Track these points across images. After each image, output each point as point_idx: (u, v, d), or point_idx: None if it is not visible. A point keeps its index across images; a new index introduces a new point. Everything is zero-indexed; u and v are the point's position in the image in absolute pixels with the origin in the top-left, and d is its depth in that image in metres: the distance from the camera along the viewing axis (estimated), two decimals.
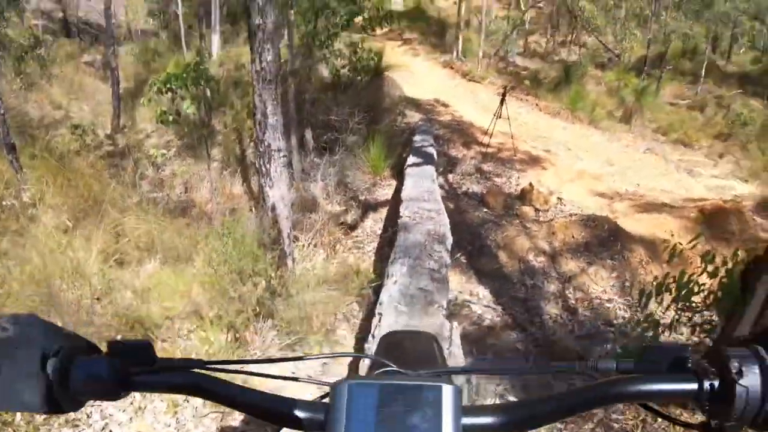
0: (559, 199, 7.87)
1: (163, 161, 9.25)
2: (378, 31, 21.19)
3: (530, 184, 7.71)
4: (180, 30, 14.75)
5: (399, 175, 7.96)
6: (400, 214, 5.06)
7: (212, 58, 13.69)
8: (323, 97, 10.41)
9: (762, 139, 16.04)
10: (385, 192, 7.91)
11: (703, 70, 22.02)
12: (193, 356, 2.83)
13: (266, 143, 4.33)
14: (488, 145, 9.46)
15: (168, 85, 5.34)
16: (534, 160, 9.81)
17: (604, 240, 6.62)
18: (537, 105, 14.10)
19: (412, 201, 5.33)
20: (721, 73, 25.21)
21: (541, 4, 16.34)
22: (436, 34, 19.67)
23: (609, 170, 10.61)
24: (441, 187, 7.88)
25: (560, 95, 14.57)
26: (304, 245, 6.22)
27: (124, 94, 12.02)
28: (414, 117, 10.72)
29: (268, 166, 4.41)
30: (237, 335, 3.94)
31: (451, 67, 15.79)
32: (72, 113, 11.73)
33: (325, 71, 10.57)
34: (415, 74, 13.83)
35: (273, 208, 4.58)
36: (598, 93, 17.90)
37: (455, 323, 4.80)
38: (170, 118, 5.43)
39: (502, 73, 16.32)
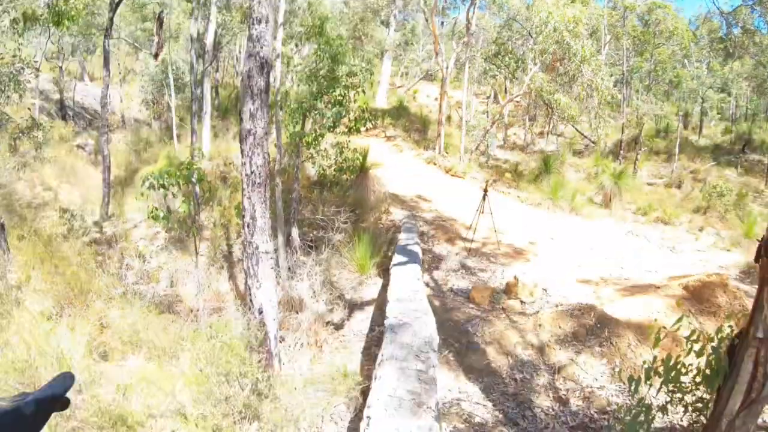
0: (544, 290, 8.07)
1: (150, 253, 9.39)
2: (362, 129, 22.24)
3: (515, 278, 7.93)
4: (172, 121, 15.33)
5: (385, 273, 8.16)
6: (387, 314, 5.22)
7: (203, 153, 14.15)
8: (310, 195, 10.80)
9: (739, 207, 16.61)
10: (371, 290, 8.07)
11: (677, 147, 23.05)
12: None
13: (255, 245, 4.54)
14: (472, 240, 9.76)
15: (161, 182, 5.59)
16: (518, 253, 10.10)
17: (591, 328, 6.76)
18: (519, 197, 14.62)
19: (398, 302, 5.50)
20: (694, 148, 26.38)
21: (518, 98, 17.27)
22: (419, 130, 20.60)
23: (592, 256, 10.88)
24: (427, 284, 8.07)
25: (541, 186, 15.15)
26: (290, 345, 6.29)
27: (114, 181, 12.26)
28: (398, 214, 11.08)
29: (256, 267, 4.59)
30: None
31: (434, 163, 16.44)
32: (61, 196, 11.91)
33: (312, 170, 11.03)
34: (399, 171, 14.39)
35: (260, 310, 4.72)
36: (577, 180, 18.63)
37: (444, 424, 4.85)
38: (161, 214, 5.64)
39: (484, 167, 17.00)
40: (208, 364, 4.48)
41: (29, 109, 17.00)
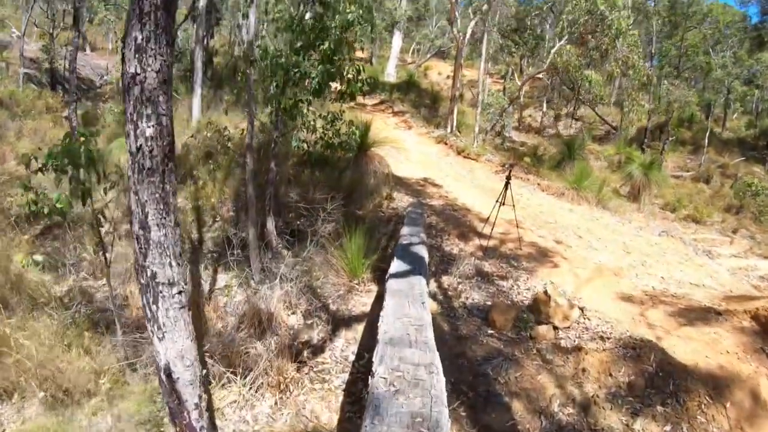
0: (582, 310, 6.13)
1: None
2: (368, 103, 20.12)
3: (545, 292, 5.98)
4: None
5: (382, 277, 6.26)
6: (373, 371, 3.30)
7: (191, 123, 12.39)
8: (301, 176, 8.85)
9: None
10: (363, 301, 6.18)
11: (706, 139, 20.94)
12: None
13: (149, 272, 2.63)
14: (490, 237, 7.82)
15: (53, 163, 3.71)
16: (543, 254, 8.15)
17: (651, 378, 4.86)
18: (539, 185, 12.62)
19: (392, 345, 3.56)
20: (720, 141, 24.24)
21: (540, 75, 15.16)
22: (429, 107, 18.52)
23: (628, 261, 8.97)
24: (433, 296, 6.16)
25: (563, 173, 13.11)
26: (241, 390, 4.42)
27: None
28: (403, 201, 9.13)
29: (154, 308, 2.69)
30: None
31: (445, 143, 14.42)
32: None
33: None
34: (406, 150, 12.39)
35: (167, 371, 2.81)
36: (599, 168, 16.58)
37: None
38: (43, 209, 3.78)
39: (499, 149, 14.96)
40: None
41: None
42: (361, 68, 6.11)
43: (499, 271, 7.09)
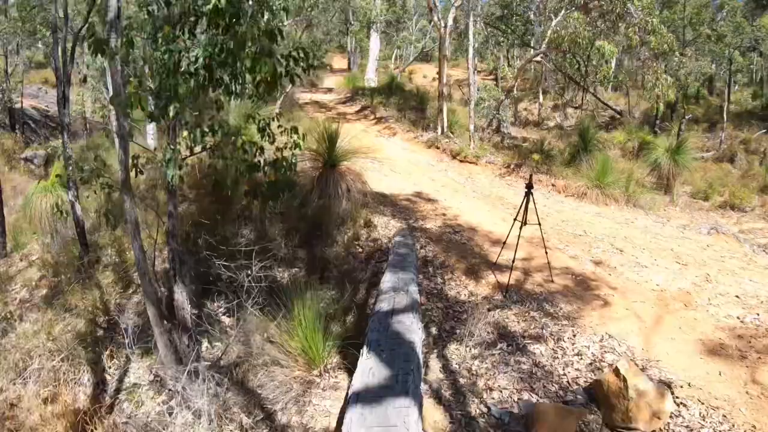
0: (675, 398, 3.77)
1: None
2: (348, 111, 17.82)
3: (615, 372, 3.61)
4: (111, 120, 11.46)
5: (356, 362, 3.90)
6: None
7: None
8: (247, 210, 6.52)
9: None
10: (326, 407, 3.82)
11: (725, 114, 18.58)
12: None
13: None
14: (512, 269, 5.47)
15: None
16: (584, 285, 5.83)
17: None
18: (554, 185, 10.28)
19: None
20: (732, 115, 21.99)
21: (539, 58, 12.82)
22: (416, 108, 16.18)
23: (689, 278, 6.69)
24: (437, 391, 3.79)
25: (580, 168, 10.75)
26: None
27: None
28: (387, 227, 6.79)
29: None
30: None
31: (437, 147, 12.08)
32: None
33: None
34: (390, 160, 10.07)
35: None
36: (614, 158, 14.27)
37: None
38: None
39: (500, 148, 12.60)
40: None
41: None
42: (299, 46, 3.77)
43: (530, 327, 4.73)
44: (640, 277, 6.51)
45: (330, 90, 23.70)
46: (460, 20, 15.69)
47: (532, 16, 18.90)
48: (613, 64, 19.94)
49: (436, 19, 13.22)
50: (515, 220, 5.56)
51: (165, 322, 4.20)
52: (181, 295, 4.20)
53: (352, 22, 28.26)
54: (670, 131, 17.73)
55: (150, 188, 7.33)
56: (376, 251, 6.08)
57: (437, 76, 27.97)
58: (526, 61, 13.67)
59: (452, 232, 6.95)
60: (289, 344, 4.15)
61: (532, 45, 18.89)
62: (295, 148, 4.39)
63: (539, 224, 5.59)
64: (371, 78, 22.24)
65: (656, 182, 11.76)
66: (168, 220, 4.04)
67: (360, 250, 6.18)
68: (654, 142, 13.88)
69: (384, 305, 3.87)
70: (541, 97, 21.61)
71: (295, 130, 4.44)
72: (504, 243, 5.83)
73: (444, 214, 7.69)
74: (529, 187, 5.44)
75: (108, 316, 5.72)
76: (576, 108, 22.46)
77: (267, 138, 4.30)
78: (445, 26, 13.05)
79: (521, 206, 5.47)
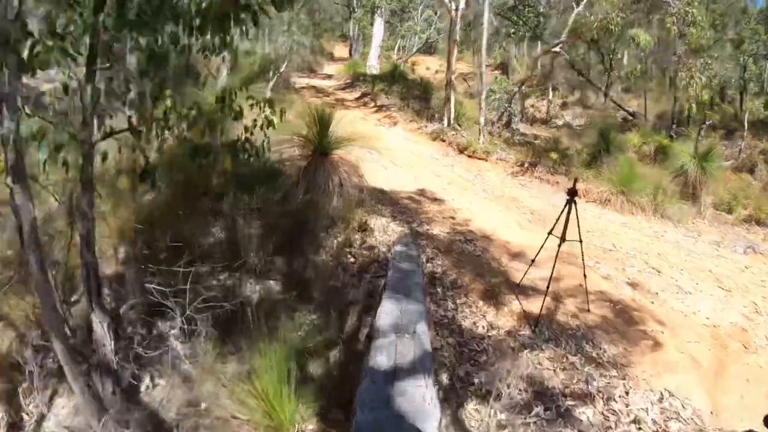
0: None
1: None
2: (348, 97, 16.54)
3: None
4: None
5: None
6: None
7: None
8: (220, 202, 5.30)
9: None
10: None
11: (745, 122, 17.45)
12: None
13: None
14: (544, 298, 4.29)
15: None
16: (624, 316, 4.68)
17: None
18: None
19: None
20: (749, 124, 20.94)
21: (557, 49, 11.57)
22: (420, 98, 14.92)
23: (737, 308, 5.68)
24: None
25: (601, 172, 9.56)
26: None
27: None
28: (387, 232, 5.58)
29: None
30: None
31: (442, 140, 10.86)
32: None
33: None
34: (391, 151, 8.85)
35: None
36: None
37: None
38: None
39: (511, 144, 11.39)
40: None
41: None
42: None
43: (572, 380, 3.56)
44: (685, 306, 5.38)
45: (330, 76, 22.43)
46: (471, 5, 14.43)
47: (541, 9, 17.79)
48: (625, 61, 18.88)
49: (446, 0, 11.96)
50: (550, 234, 4.37)
51: (81, 360, 3.01)
52: (100, 327, 2.99)
53: (356, 9, 26.96)
54: (687, 136, 16.61)
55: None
56: (372, 262, 4.88)
57: (440, 68, 26.60)
58: (543, 51, 12.45)
59: (463, 240, 5.75)
60: (248, 400, 2.95)
61: (544, 39, 17.76)
62: (268, 127, 3.18)
63: (580, 241, 4.41)
64: (373, 65, 20.96)
65: (681, 190, 10.61)
66: (81, 222, 2.82)
67: (352, 260, 4.98)
68: (672, 146, 12.78)
69: (382, 359, 2.67)
70: (550, 93, 20.41)
71: (270, 103, 3.23)
72: (532, 261, 4.64)
73: (452, 218, 6.49)
74: (572, 194, 4.25)
75: (43, 330, 4.51)
76: (585, 107, 21.41)
77: (229, 112, 3.09)
78: (457, 9, 11.81)
79: (559, 217, 4.28)
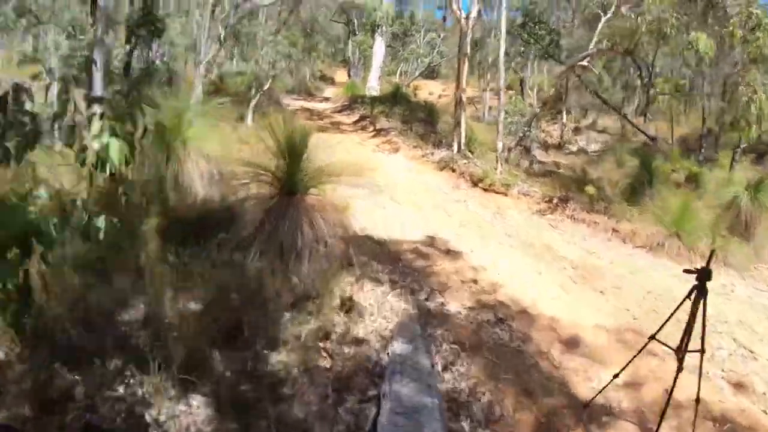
0: None
1: None
2: (345, 121, 14.83)
3: None
4: None
5: None
6: None
7: None
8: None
9: None
10: None
11: None
12: None
13: None
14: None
15: None
16: None
17: None
18: (615, 230, 7.32)
19: None
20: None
21: (585, 63, 9.80)
22: (424, 121, 13.24)
23: None
24: None
25: (645, 207, 7.77)
26: None
27: None
28: (382, 311, 3.76)
29: None
30: None
31: (452, 169, 9.09)
32: None
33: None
34: (391, 184, 7.10)
35: None
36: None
37: None
38: None
39: (532, 174, 9.61)
40: None
41: None
42: None
43: None
44: None
45: (327, 99, 20.94)
46: (481, 16, 12.81)
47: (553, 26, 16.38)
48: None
49: (455, 7, 10.30)
50: (652, 338, 2.57)
51: None
52: None
53: (357, 31, 25.68)
54: (716, 162, 14.90)
55: None
56: (357, 370, 3.07)
57: (443, 92, 24.98)
58: (568, 66, 10.71)
59: (494, 321, 3.92)
60: None
61: (557, 57, 16.26)
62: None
63: (702, 351, 2.61)
64: (373, 86, 19.41)
65: (729, 228, 8.80)
66: None
67: (327, 363, 3.16)
68: (702, 173, 11.10)
69: None
70: (564, 116, 18.80)
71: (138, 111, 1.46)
72: (615, 376, 2.84)
73: (474, 281, 4.66)
74: (704, 278, 2.44)
75: None
76: (600, 132, 19.91)
77: None
78: (468, 17, 10.17)
79: (674, 312, 2.49)
